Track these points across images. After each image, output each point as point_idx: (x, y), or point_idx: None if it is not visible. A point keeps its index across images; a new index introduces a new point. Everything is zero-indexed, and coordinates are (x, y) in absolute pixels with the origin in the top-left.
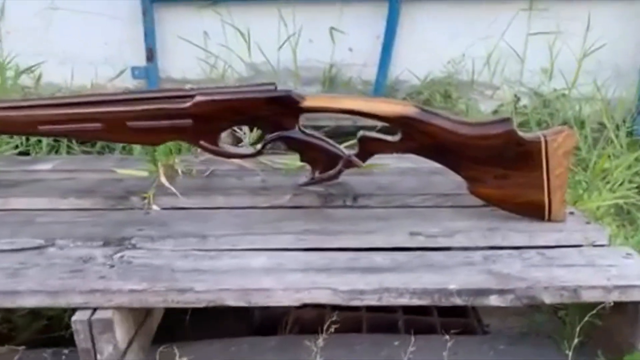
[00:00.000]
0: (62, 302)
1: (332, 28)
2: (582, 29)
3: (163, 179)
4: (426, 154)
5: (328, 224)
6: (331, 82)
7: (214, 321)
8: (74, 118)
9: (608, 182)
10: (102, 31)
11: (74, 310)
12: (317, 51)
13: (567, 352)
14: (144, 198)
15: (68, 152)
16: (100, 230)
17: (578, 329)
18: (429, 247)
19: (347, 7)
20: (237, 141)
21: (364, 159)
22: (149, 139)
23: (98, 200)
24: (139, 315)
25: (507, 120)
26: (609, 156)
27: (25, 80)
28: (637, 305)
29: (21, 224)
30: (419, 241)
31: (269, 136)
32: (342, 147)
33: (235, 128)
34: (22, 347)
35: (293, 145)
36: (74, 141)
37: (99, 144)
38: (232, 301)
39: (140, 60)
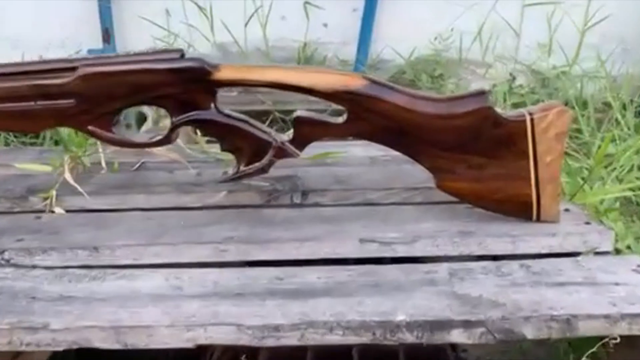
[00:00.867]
0: None
1: (306, 2)
2: None
3: (67, 176)
4: (380, 139)
5: (262, 229)
6: (307, 62)
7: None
8: None
9: (614, 169)
10: (56, 12)
11: None
12: (291, 29)
13: None
14: (45, 199)
15: None
16: None
17: None
18: (382, 258)
19: None
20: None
21: (301, 147)
22: (24, 125)
23: None
24: None
25: (481, 93)
26: (615, 139)
27: None
28: None
29: None
30: (370, 250)
31: (176, 119)
32: (273, 131)
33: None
34: None
35: (209, 130)
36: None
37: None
38: (99, 342)
39: (97, 42)
